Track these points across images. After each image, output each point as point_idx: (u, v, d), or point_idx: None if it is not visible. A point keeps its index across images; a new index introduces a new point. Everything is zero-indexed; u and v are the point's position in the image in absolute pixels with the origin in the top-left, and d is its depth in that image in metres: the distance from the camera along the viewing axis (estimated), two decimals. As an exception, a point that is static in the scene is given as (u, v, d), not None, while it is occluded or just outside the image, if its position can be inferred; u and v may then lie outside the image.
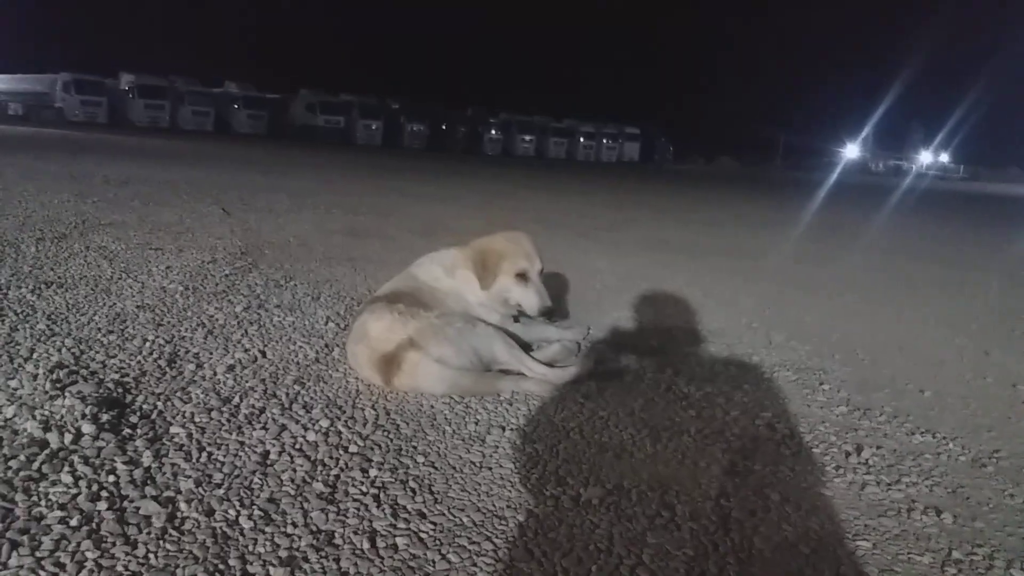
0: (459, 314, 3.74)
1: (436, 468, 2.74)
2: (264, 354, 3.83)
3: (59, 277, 5.05)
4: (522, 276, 3.98)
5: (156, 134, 22.21)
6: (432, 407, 3.30)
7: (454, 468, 2.75)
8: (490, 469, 2.76)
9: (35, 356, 3.45)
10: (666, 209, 13.35)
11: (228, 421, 2.96)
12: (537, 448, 2.95)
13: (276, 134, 32.21)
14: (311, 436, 2.90)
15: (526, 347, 3.99)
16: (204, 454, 2.67)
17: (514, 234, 4.13)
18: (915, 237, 12.82)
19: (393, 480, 2.61)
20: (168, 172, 12.22)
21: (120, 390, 3.16)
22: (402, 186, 13.74)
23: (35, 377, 3.16)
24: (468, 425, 3.15)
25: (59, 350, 3.57)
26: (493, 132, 30.64)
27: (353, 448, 2.83)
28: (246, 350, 3.86)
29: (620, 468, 2.84)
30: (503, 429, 3.11)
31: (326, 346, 4.04)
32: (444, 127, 32.12)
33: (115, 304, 4.48)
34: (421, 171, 17.82)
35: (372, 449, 2.84)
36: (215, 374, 3.49)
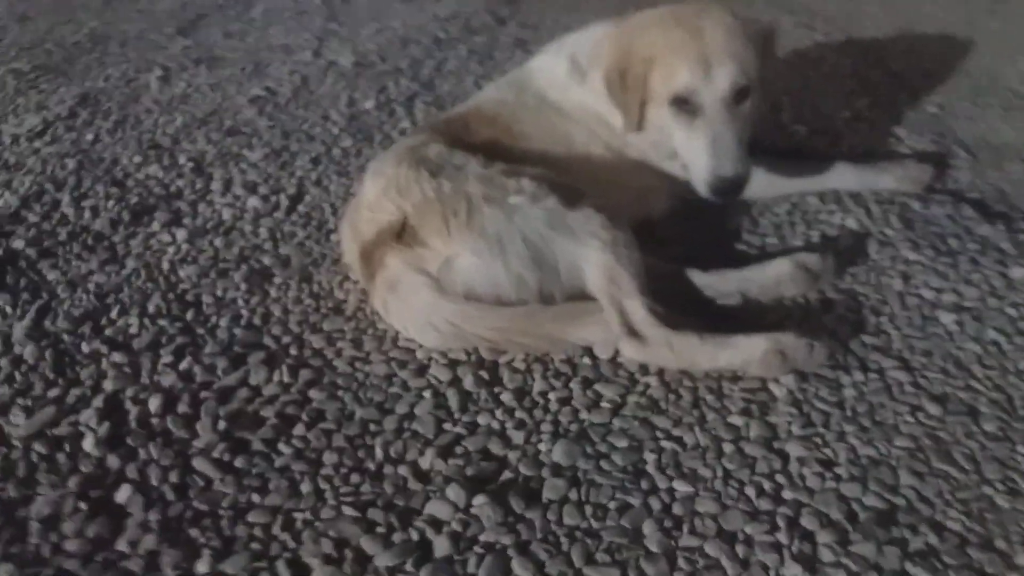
0: (538, 173, 1.83)
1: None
2: (296, 201, 2.41)
3: (239, 41, 4.01)
4: (682, 103, 1.84)
5: None
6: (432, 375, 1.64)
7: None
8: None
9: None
10: None
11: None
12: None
13: None
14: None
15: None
16: None
17: (697, 16, 1.94)
18: None
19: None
20: None
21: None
22: None
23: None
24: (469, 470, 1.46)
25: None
26: None
27: None
28: (265, 196, 2.45)
29: None
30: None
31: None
32: None
33: (235, 97, 3.36)
34: None
35: None
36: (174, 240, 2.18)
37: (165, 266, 2.14)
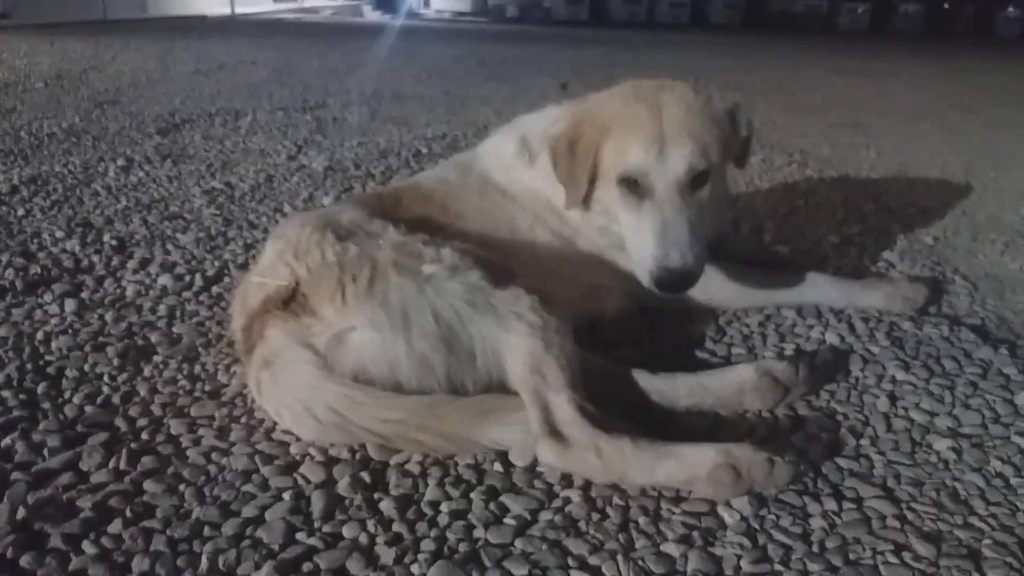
0: (464, 246, 1.57)
1: None
2: (212, 282, 2.16)
3: (216, 143, 3.88)
4: (631, 183, 1.67)
5: (630, 28, 21.29)
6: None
7: None
8: None
9: None
10: None
11: None
12: None
13: (752, 23, 29.65)
14: None
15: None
16: None
17: (659, 91, 1.79)
18: None
19: None
20: (569, 53, 10.96)
21: None
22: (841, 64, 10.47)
23: None
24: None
25: None
26: (1011, 9, 23.86)
27: None
28: (180, 275, 2.18)
29: None
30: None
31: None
32: (946, 6, 26.28)
33: (190, 188, 3.26)
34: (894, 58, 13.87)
35: None
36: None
37: (39, 336, 1.85)
